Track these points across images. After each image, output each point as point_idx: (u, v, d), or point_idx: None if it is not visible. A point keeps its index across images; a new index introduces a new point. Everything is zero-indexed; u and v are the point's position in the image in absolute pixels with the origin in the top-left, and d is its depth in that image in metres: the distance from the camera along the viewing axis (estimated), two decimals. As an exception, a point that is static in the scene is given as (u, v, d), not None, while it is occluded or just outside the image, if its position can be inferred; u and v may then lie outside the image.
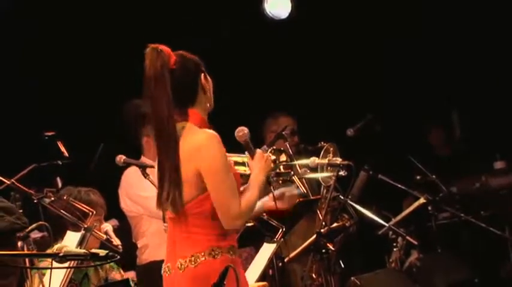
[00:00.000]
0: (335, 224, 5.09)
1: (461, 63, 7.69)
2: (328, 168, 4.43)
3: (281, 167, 4.13)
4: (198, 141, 3.56)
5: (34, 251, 3.85)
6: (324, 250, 4.95)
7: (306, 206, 5.10)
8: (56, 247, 3.01)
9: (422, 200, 6.01)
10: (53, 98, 6.42)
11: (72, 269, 4.24)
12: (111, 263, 4.60)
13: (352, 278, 5.38)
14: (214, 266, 3.51)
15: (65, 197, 4.49)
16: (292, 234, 5.15)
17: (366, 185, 6.04)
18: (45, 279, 3.99)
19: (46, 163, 5.42)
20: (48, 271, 3.95)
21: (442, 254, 6.27)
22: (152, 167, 4.53)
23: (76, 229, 4.31)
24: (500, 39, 7.60)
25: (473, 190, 6.97)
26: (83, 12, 6.55)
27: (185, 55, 3.69)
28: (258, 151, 3.79)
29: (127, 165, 4.99)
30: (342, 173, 4.40)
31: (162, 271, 3.66)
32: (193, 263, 3.54)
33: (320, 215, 5.13)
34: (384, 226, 5.73)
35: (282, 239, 4.71)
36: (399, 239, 5.80)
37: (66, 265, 3.34)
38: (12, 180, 4.51)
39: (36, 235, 5.01)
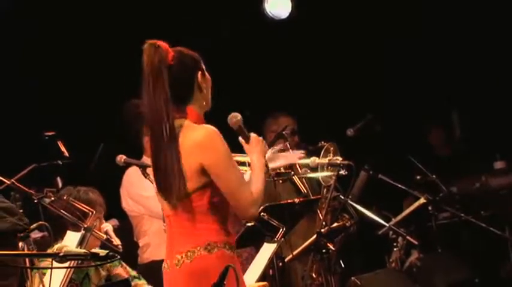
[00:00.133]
0: (335, 224, 5.09)
1: (461, 63, 7.69)
2: (329, 168, 4.43)
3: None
4: (199, 137, 3.55)
5: (34, 251, 3.84)
6: (324, 250, 4.95)
7: (306, 206, 5.10)
8: (56, 247, 3.01)
9: (422, 200, 6.01)
10: (53, 98, 6.42)
11: (72, 269, 4.24)
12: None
13: (353, 278, 5.38)
14: (209, 261, 3.51)
15: (65, 197, 4.48)
16: (293, 234, 5.14)
17: (366, 185, 6.04)
18: (46, 279, 3.98)
19: (46, 163, 5.42)
20: (48, 271, 3.95)
21: (442, 254, 6.27)
22: (152, 167, 4.52)
23: (76, 228, 4.31)
24: (500, 39, 7.60)
25: (473, 190, 6.97)
26: (82, 12, 6.55)
27: (183, 51, 3.68)
28: (253, 134, 3.78)
29: (127, 165, 4.99)
30: (342, 172, 4.40)
31: (162, 268, 3.67)
32: (189, 258, 3.54)
33: (320, 215, 5.13)
34: (384, 225, 5.74)
35: (282, 239, 4.70)
36: (399, 239, 5.80)
37: (66, 265, 3.34)
38: (12, 180, 4.50)
39: (36, 235, 5.00)
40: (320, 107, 7.54)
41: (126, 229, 5.87)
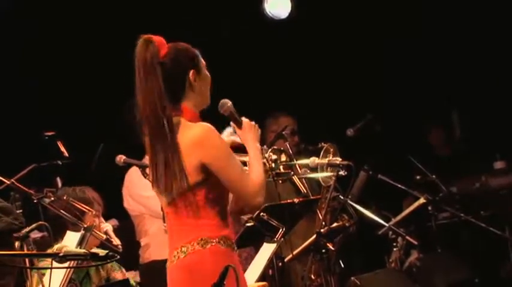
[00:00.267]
0: (335, 224, 5.09)
1: (461, 63, 7.69)
2: (328, 168, 4.43)
3: (281, 167, 4.13)
4: (196, 135, 3.54)
5: (34, 251, 3.85)
6: (323, 250, 4.95)
7: (306, 206, 5.09)
8: (56, 247, 3.02)
9: (422, 200, 6.01)
10: (53, 98, 6.42)
11: (72, 269, 4.24)
12: (113, 263, 4.60)
13: (352, 278, 5.38)
14: (202, 256, 3.51)
15: (64, 197, 4.49)
16: (292, 234, 5.14)
17: (365, 185, 6.04)
18: (45, 279, 3.99)
19: (46, 163, 5.43)
20: (48, 271, 3.96)
21: (442, 254, 6.27)
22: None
23: (76, 228, 4.32)
24: (500, 39, 7.60)
25: (473, 190, 6.97)
26: (82, 12, 6.56)
27: (178, 47, 3.65)
28: (245, 119, 3.77)
29: (127, 165, 4.99)
30: (341, 173, 4.40)
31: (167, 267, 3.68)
32: (183, 253, 3.54)
33: (320, 215, 5.13)
34: (384, 226, 5.73)
35: (282, 239, 4.70)
36: (399, 239, 5.80)
37: (66, 265, 3.34)
38: (12, 180, 4.51)
39: (36, 235, 5.01)
40: (320, 107, 7.54)
41: (126, 229, 5.88)
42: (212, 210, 3.57)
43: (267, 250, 4.65)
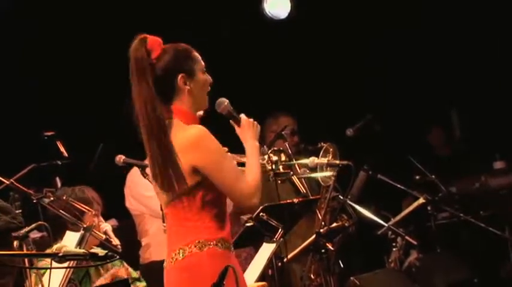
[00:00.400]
0: (334, 224, 5.08)
1: (462, 64, 7.70)
2: (328, 168, 4.43)
3: (280, 167, 4.13)
4: (188, 138, 3.53)
5: (33, 251, 3.85)
6: (323, 250, 4.95)
7: (306, 206, 5.09)
8: (55, 246, 3.02)
9: (421, 200, 6.01)
10: (53, 98, 6.42)
11: (72, 269, 4.24)
12: (115, 261, 4.60)
13: (352, 278, 5.38)
14: (200, 258, 3.50)
15: (64, 197, 4.49)
16: (292, 234, 5.15)
17: (365, 185, 6.04)
18: (45, 279, 3.99)
19: (45, 163, 5.43)
20: (47, 270, 3.96)
21: (441, 254, 6.27)
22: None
23: (75, 228, 4.32)
24: (500, 39, 7.61)
25: (473, 190, 6.97)
26: (83, 12, 6.56)
27: (171, 50, 3.62)
28: (243, 117, 3.74)
29: (127, 165, 4.99)
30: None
31: (164, 267, 3.68)
32: (181, 255, 3.54)
33: (319, 215, 5.13)
34: (383, 226, 5.73)
35: (282, 239, 4.70)
36: (398, 239, 5.79)
37: (65, 265, 3.34)
38: (12, 180, 4.51)
39: (35, 235, 5.02)
40: (320, 107, 7.55)
41: (125, 228, 5.88)
42: (210, 212, 3.56)
43: (266, 250, 4.65)
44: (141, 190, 5.64)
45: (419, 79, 7.80)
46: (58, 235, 4.36)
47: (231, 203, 3.79)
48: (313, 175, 4.54)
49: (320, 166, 4.43)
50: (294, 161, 4.58)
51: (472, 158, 7.61)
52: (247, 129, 3.72)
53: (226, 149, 3.84)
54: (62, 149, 5.52)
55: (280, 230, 4.68)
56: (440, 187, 6.42)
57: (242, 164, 3.80)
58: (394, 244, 5.82)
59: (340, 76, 7.61)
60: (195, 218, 3.55)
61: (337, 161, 4.42)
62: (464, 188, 6.94)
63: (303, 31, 7.45)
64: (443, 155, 7.86)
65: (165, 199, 3.60)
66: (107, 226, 4.66)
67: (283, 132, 5.84)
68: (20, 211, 4.33)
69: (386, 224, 5.75)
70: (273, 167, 4.17)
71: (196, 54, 3.67)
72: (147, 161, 5.24)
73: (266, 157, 4.12)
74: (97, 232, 4.42)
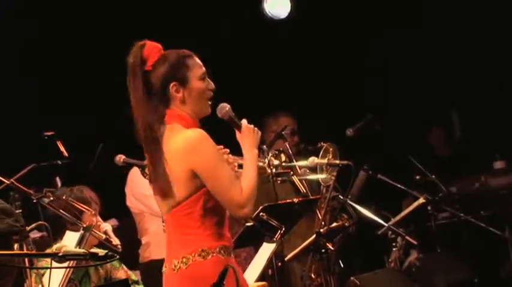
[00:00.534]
0: (334, 224, 5.08)
1: (462, 64, 7.69)
2: (328, 168, 4.43)
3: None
4: (187, 141, 3.52)
5: (33, 251, 3.84)
6: (323, 250, 4.94)
7: (306, 206, 5.09)
8: (55, 246, 3.01)
9: (421, 200, 6.01)
10: (53, 98, 6.42)
11: (72, 269, 4.24)
12: (114, 262, 4.60)
13: (352, 278, 5.37)
14: (204, 268, 3.50)
15: (64, 197, 4.49)
16: (292, 234, 5.14)
17: (365, 185, 6.04)
18: (45, 279, 3.99)
19: (46, 163, 5.42)
20: (47, 270, 3.96)
21: (441, 254, 6.26)
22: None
23: (75, 228, 4.32)
24: (500, 39, 7.60)
25: (473, 189, 6.97)
26: (83, 12, 6.56)
27: (165, 58, 3.62)
28: (244, 123, 3.72)
29: (126, 165, 4.99)
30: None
31: (162, 270, 3.67)
32: (184, 264, 3.54)
33: (319, 215, 5.13)
34: (384, 225, 5.73)
35: (282, 239, 4.70)
36: (399, 239, 5.79)
37: (65, 264, 3.34)
38: (12, 180, 4.50)
39: (35, 234, 5.02)
40: (320, 107, 7.54)
41: (125, 228, 5.89)
42: (211, 219, 3.56)
43: (266, 249, 4.64)
44: (141, 189, 5.65)
45: (419, 79, 7.80)
46: (58, 235, 4.36)
47: None
48: (313, 176, 4.54)
49: (320, 166, 4.43)
50: (295, 163, 4.58)
51: (472, 158, 7.61)
52: (247, 135, 3.69)
53: (227, 150, 3.84)
54: (62, 149, 5.52)
55: (280, 230, 4.67)
56: (440, 187, 6.42)
57: (240, 166, 3.79)
58: (394, 244, 5.82)
59: (340, 76, 7.61)
60: (197, 225, 3.54)
61: (337, 161, 4.42)
62: (465, 188, 6.94)
63: (303, 31, 7.45)
64: (444, 155, 7.85)
65: (165, 207, 3.60)
66: (107, 226, 4.66)
67: (283, 132, 5.84)
68: (20, 210, 4.32)
69: (386, 224, 5.74)
70: (274, 170, 4.17)
71: (194, 61, 3.65)
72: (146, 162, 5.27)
73: (266, 160, 4.12)
74: (97, 232, 4.42)
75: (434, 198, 6.11)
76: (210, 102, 3.70)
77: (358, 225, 5.27)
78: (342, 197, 5.26)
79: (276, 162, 4.16)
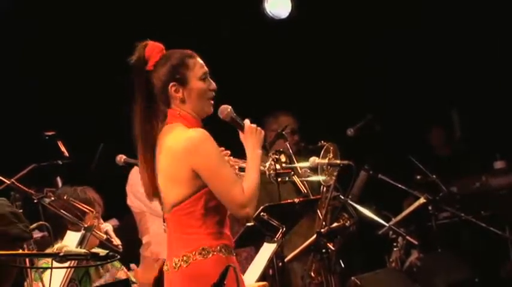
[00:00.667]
0: (335, 224, 5.08)
1: (462, 64, 7.69)
2: (328, 167, 4.42)
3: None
4: (189, 141, 3.52)
5: (34, 251, 3.84)
6: (324, 250, 4.94)
7: (307, 205, 5.09)
8: (56, 246, 3.00)
9: (422, 200, 6.01)
10: (53, 98, 6.42)
11: (73, 269, 4.24)
12: (115, 263, 4.60)
13: (352, 278, 5.38)
14: (205, 266, 3.51)
15: (65, 197, 4.48)
16: (293, 234, 5.14)
17: (366, 185, 6.04)
18: (45, 279, 3.98)
19: (46, 163, 5.43)
20: (47, 270, 3.95)
21: (442, 253, 6.27)
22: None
23: (76, 228, 4.31)
24: (500, 39, 7.60)
25: (474, 189, 6.98)
26: (83, 12, 6.55)
27: (166, 59, 3.62)
28: (247, 123, 3.71)
29: (127, 165, 4.99)
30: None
31: (163, 269, 3.67)
32: (185, 262, 3.54)
33: (320, 215, 5.12)
34: (384, 225, 5.74)
35: (282, 239, 4.70)
36: (399, 239, 5.80)
37: (66, 264, 3.33)
38: (12, 180, 4.50)
39: (36, 234, 5.01)
40: (320, 107, 7.54)
41: (126, 228, 5.88)
42: (213, 219, 3.56)
43: (267, 249, 4.64)
44: (141, 189, 5.63)
45: (419, 79, 7.80)
46: (59, 235, 4.35)
47: None
48: (314, 178, 4.53)
49: (321, 166, 4.43)
50: (295, 164, 4.58)
51: (472, 158, 7.61)
52: (250, 136, 3.69)
53: (228, 152, 3.84)
54: (63, 149, 5.52)
55: (281, 230, 4.67)
56: (441, 186, 6.42)
57: (243, 169, 3.78)
58: (395, 244, 5.82)
59: (340, 76, 7.60)
60: (198, 225, 3.54)
61: (338, 161, 4.41)
62: (465, 188, 6.94)
63: (304, 31, 7.44)
64: (444, 155, 7.85)
65: (166, 206, 3.60)
66: (108, 226, 4.66)
67: (283, 132, 5.84)
68: (21, 210, 4.32)
69: (387, 224, 5.75)
70: (272, 174, 4.17)
71: (195, 61, 3.65)
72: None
73: (267, 164, 4.12)
74: (98, 232, 4.42)
75: (434, 198, 6.12)
76: (212, 102, 3.69)
77: (359, 225, 5.27)
78: (342, 197, 5.26)
79: (277, 166, 4.15)
